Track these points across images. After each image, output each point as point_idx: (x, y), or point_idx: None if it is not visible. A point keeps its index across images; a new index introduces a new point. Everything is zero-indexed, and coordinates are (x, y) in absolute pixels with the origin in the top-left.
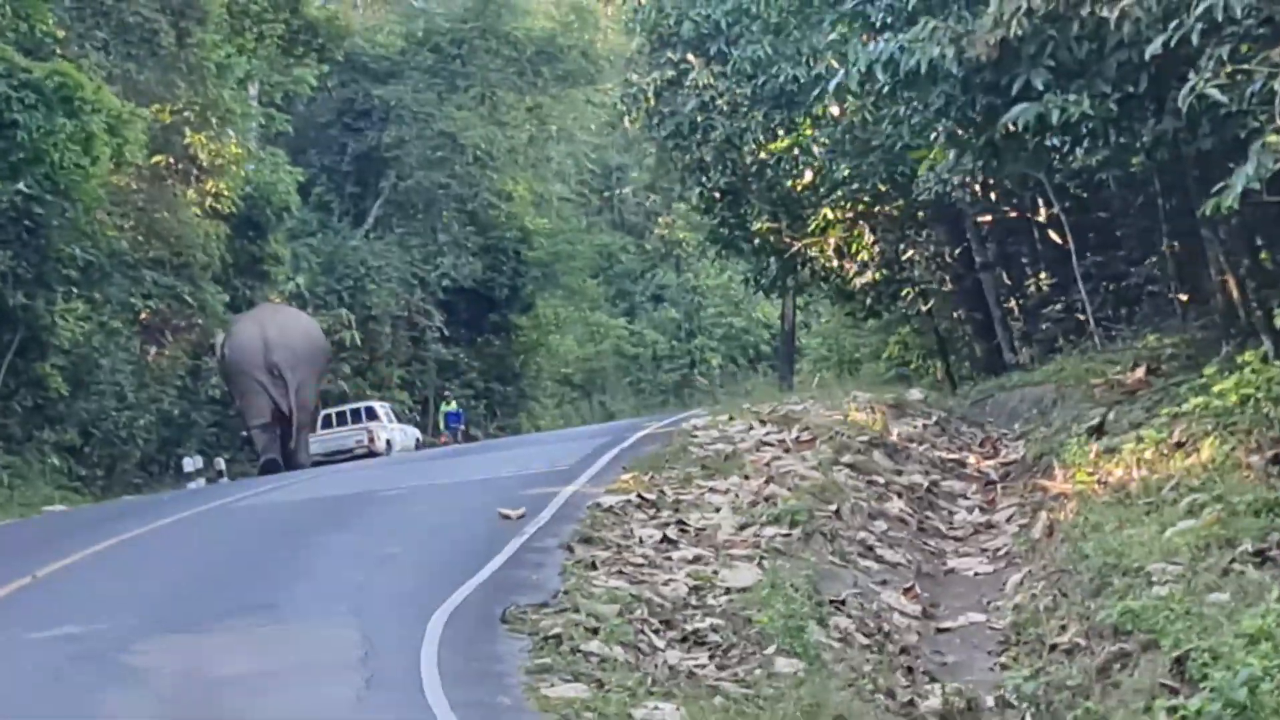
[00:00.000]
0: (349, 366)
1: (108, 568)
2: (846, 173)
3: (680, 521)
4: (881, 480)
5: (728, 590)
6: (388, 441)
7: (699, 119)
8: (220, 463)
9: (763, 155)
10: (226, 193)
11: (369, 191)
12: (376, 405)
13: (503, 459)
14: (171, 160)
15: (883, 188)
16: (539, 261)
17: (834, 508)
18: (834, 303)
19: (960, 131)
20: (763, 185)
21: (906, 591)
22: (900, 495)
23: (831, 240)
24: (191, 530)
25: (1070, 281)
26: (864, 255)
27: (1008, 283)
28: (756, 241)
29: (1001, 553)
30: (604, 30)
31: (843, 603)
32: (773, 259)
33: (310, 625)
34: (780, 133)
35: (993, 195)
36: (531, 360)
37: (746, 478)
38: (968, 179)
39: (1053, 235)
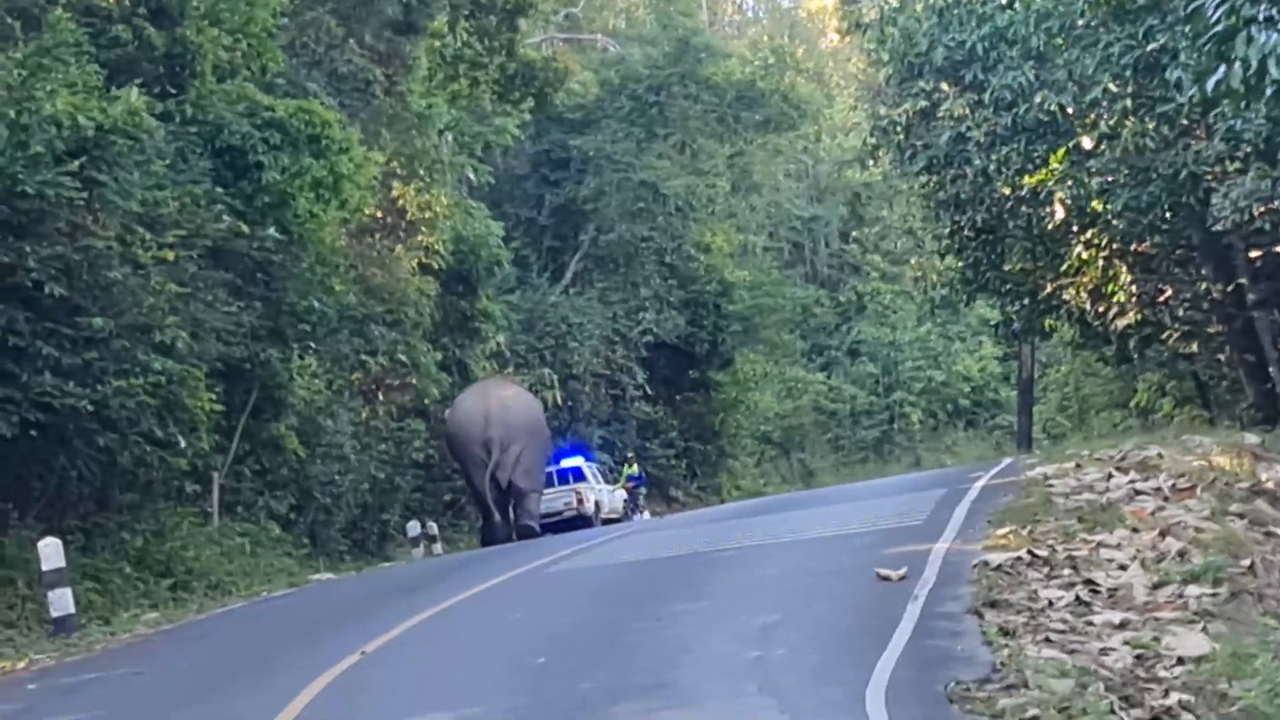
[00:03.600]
0: (550, 427)
1: (442, 642)
2: (1120, 206)
3: (1088, 581)
4: (1279, 531)
5: (1180, 660)
6: (596, 504)
7: (954, 151)
8: (434, 528)
9: (1020, 191)
10: (437, 247)
11: (567, 246)
12: (584, 465)
13: (837, 514)
14: (380, 214)
15: (1164, 221)
16: (739, 315)
17: (1247, 563)
18: (1079, 349)
19: None
20: (1020, 222)
21: None
22: None
23: (1087, 280)
24: (513, 599)
25: None
26: (1119, 296)
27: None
28: (1008, 284)
29: None
30: (801, 75)
31: None
32: (1026, 301)
33: (725, 708)
34: (1040, 165)
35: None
36: (731, 418)
37: (1135, 530)
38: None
39: None
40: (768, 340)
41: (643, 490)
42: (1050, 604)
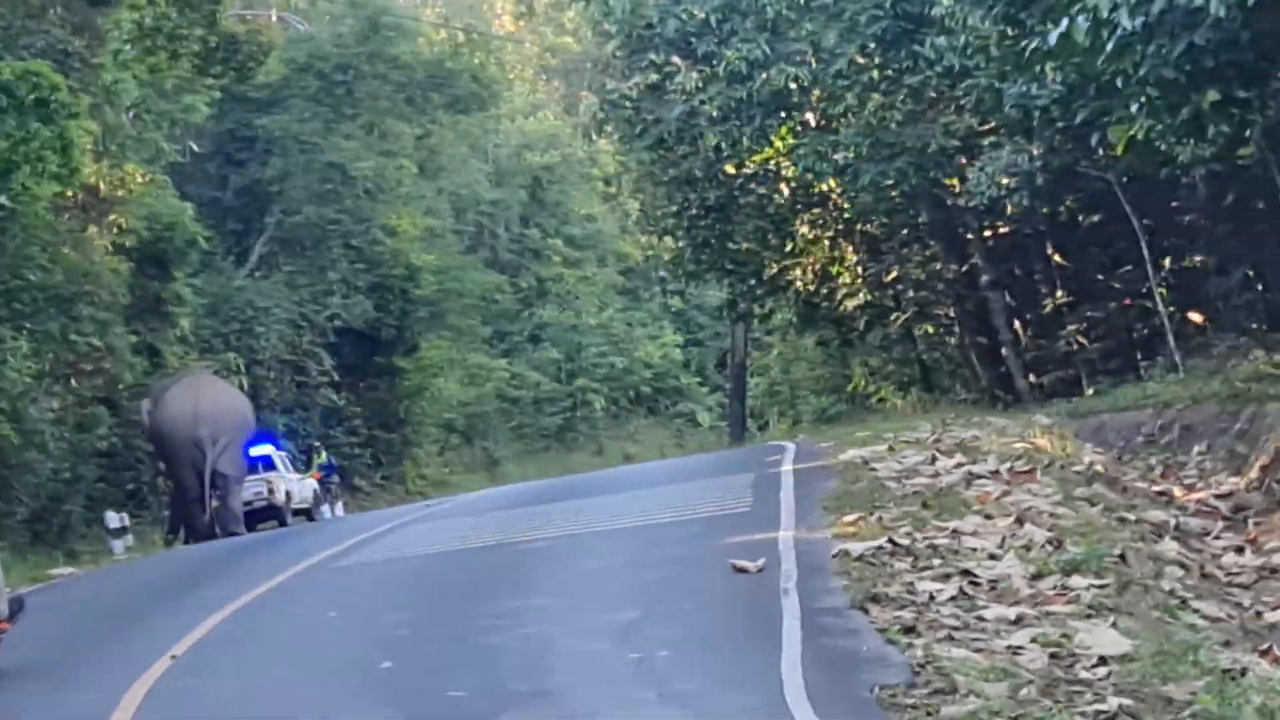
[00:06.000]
0: None
1: (260, 644)
2: (867, 181)
3: (965, 572)
4: (1131, 518)
5: (1102, 660)
6: (287, 493)
7: (685, 126)
8: (126, 519)
9: (749, 168)
10: (130, 226)
11: (252, 228)
12: (274, 454)
13: (642, 500)
14: (70, 192)
15: (903, 198)
16: (426, 300)
17: (1118, 552)
18: (799, 331)
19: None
20: (751, 200)
21: (1264, 654)
22: (1161, 536)
23: (813, 261)
24: (315, 596)
25: (1087, 300)
26: (846, 277)
27: (1011, 304)
28: (734, 265)
29: None
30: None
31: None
32: (751, 282)
33: None
34: (773, 140)
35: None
36: (416, 405)
37: (989, 517)
38: (1024, 180)
39: (1053, 254)
40: (453, 326)
41: (335, 480)
42: (933, 598)
